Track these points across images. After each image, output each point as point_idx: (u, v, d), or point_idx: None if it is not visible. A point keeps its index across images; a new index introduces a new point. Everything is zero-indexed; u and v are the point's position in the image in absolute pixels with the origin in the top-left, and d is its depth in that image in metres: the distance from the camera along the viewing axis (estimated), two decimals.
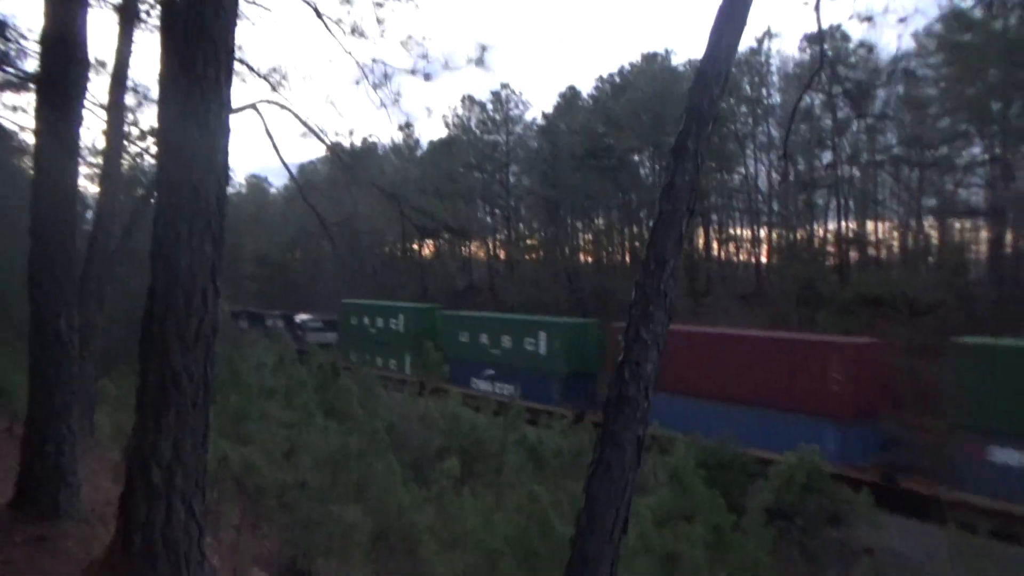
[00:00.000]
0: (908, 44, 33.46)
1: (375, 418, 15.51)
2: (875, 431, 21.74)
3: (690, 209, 3.36)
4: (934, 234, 38.25)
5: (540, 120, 52.07)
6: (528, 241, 55.92)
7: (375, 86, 10.84)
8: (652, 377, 3.14)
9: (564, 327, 30.56)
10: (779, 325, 36.58)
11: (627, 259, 51.57)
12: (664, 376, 3.05)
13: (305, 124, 10.98)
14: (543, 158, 48.18)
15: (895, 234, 39.43)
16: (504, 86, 52.55)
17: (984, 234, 35.25)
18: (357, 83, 11.05)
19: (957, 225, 36.03)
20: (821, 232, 41.00)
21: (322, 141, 11.27)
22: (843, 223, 39.42)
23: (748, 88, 43.28)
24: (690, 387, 23.10)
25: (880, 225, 39.79)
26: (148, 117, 13.64)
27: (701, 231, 46.67)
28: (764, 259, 45.01)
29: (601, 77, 50.21)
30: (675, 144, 3.37)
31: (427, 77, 11.08)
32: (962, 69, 32.60)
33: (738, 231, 49.24)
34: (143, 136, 12.74)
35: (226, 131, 3.47)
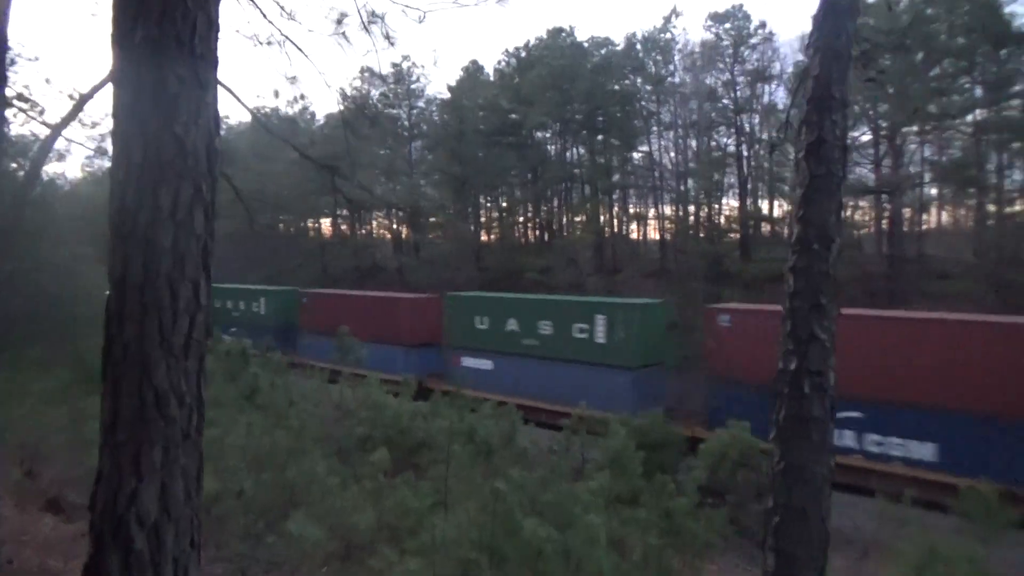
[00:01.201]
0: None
1: (297, 410, 14.38)
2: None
3: (844, 172, 2.77)
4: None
5: (445, 94, 50.86)
6: (433, 219, 54.75)
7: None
8: (834, 388, 2.54)
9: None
10: (688, 300, 37.33)
11: (540, 236, 51.40)
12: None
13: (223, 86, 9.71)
14: (449, 134, 47.08)
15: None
16: (405, 58, 50.94)
17: (877, 212, 37.08)
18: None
19: (858, 203, 37.66)
20: (726, 210, 42.07)
21: (243, 106, 10.03)
22: (747, 201, 40.55)
23: (652, 67, 43.68)
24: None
25: (783, 203, 41.16)
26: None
27: (605, 209, 47.01)
28: (668, 237, 45.84)
29: (507, 51, 49.45)
30: (813, 94, 2.74)
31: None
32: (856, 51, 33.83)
33: (643, 210, 49.96)
34: None
35: (215, 59, 2.56)
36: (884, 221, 34.95)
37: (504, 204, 53.83)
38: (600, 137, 44.58)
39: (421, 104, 52.76)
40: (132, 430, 2.35)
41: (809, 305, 2.61)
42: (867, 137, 37.29)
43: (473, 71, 52.19)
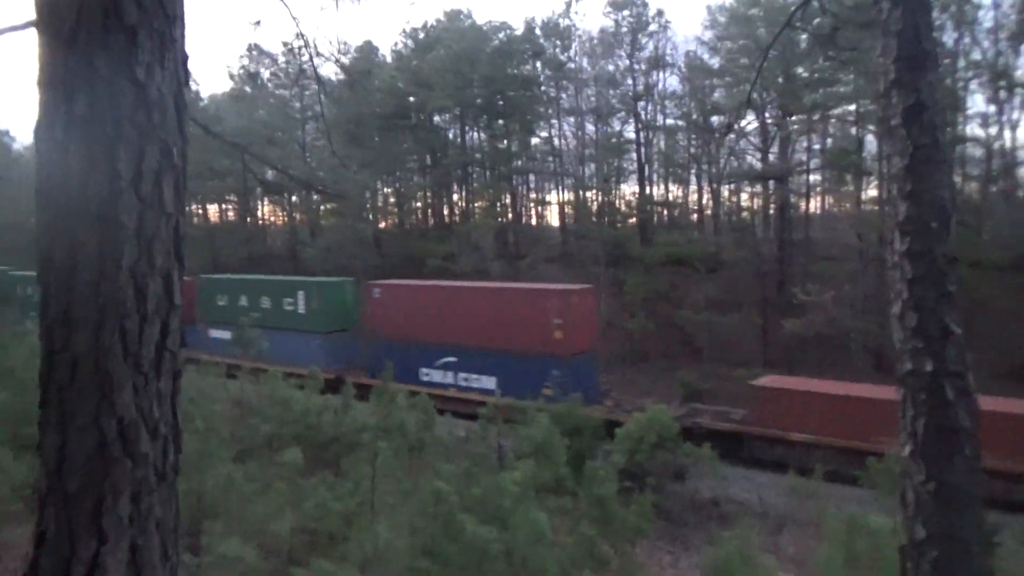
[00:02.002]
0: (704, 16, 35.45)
1: (200, 410, 13.32)
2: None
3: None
4: (734, 198, 41.14)
5: (340, 75, 48.99)
6: (328, 205, 52.88)
7: None
8: (975, 390, 2.24)
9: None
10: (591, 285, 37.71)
11: (440, 222, 50.61)
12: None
13: None
14: (345, 117, 45.47)
15: (694, 197, 41.97)
16: (298, 36, 48.70)
17: (765, 197, 38.58)
18: None
19: (749, 189, 39.05)
20: (626, 195, 42.75)
21: None
22: (647, 186, 41.33)
23: (552, 52, 43.70)
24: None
25: (681, 188, 42.17)
26: None
27: (507, 195, 46.83)
28: (570, 221, 46.18)
29: (404, 31, 48.23)
30: (900, 52, 2.38)
31: None
32: (748, 41, 35.06)
33: (544, 195, 50.14)
34: None
35: None
36: (772, 206, 36.39)
37: (402, 189, 52.70)
38: (501, 122, 44.25)
39: (315, 85, 50.72)
40: (88, 476, 1.77)
41: (936, 294, 2.27)
42: (753, 126, 38.75)
43: (367, 52, 50.60)
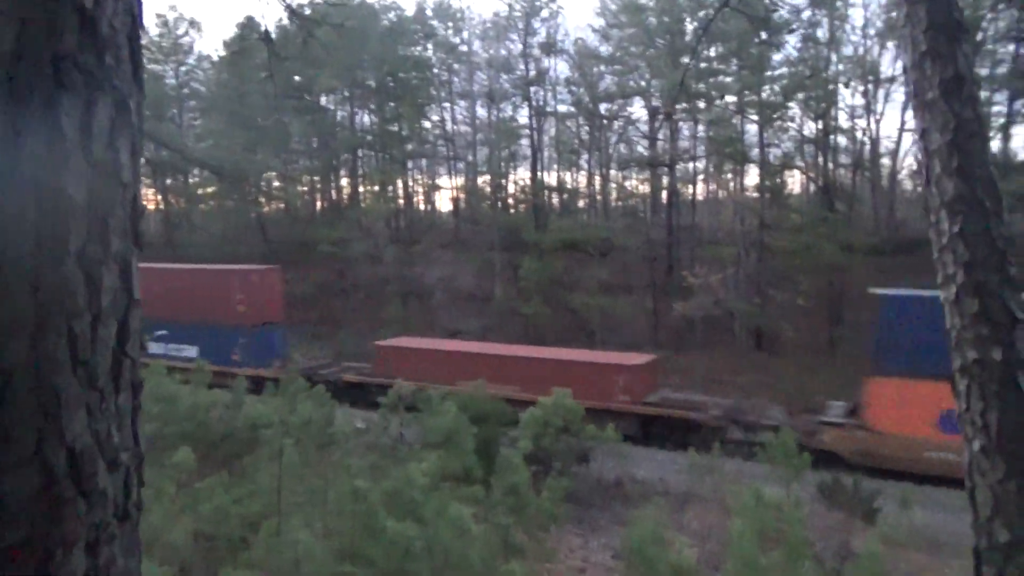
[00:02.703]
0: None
1: None
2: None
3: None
4: (625, 184, 41.95)
5: (222, 52, 46.40)
6: (210, 188, 50.18)
7: None
8: None
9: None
10: (485, 270, 37.66)
11: (329, 206, 49.00)
12: None
13: None
14: (228, 96, 43.15)
15: (587, 182, 42.54)
16: (172, 8, 45.78)
17: (653, 183, 39.67)
18: None
19: (638, 175, 39.98)
20: (520, 180, 42.83)
21: None
22: (541, 172, 41.55)
23: (445, 35, 43.08)
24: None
25: (573, 174, 42.67)
26: None
27: (399, 179, 45.95)
28: (463, 207, 45.88)
29: (289, 8, 46.08)
30: (932, 21, 2.24)
31: None
32: (638, 30, 35.79)
33: (437, 179, 49.55)
34: None
35: None
36: (663, 192, 37.46)
37: (289, 172, 50.66)
38: (392, 104, 43.24)
39: (191, 61, 47.88)
40: (32, 524, 1.37)
41: (999, 278, 2.15)
42: (642, 113, 39.72)
43: (248, 28, 48.13)
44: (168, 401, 16.20)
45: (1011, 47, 31.20)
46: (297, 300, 35.08)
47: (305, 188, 51.32)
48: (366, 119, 47.58)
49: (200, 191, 50.57)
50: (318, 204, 51.27)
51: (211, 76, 47.08)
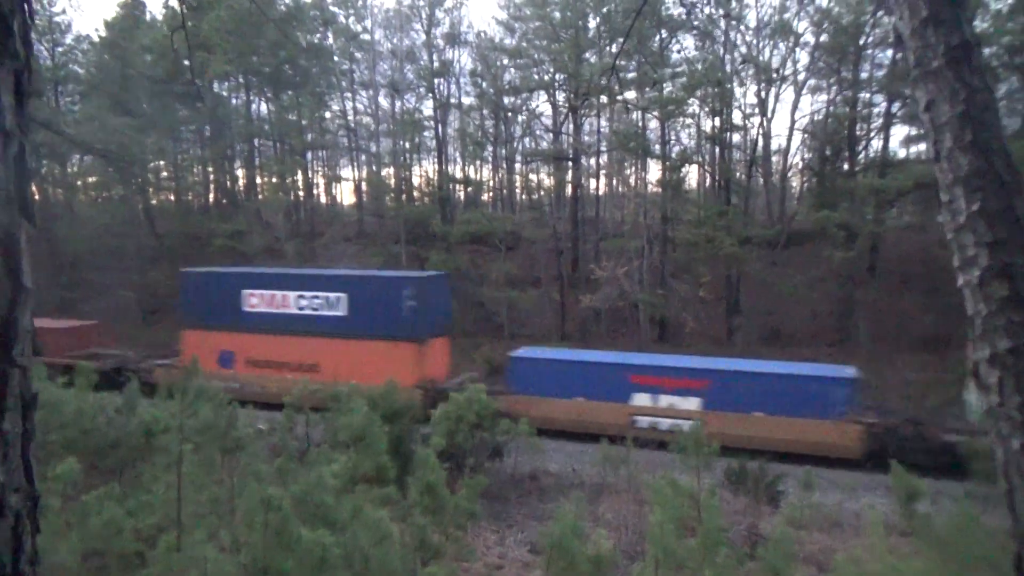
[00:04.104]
0: None
1: None
2: None
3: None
4: (530, 178, 41.99)
5: (102, 32, 43.43)
6: (87, 179, 46.98)
7: None
8: None
9: None
10: (390, 264, 36.91)
11: (223, 199, 46.81)
12: None
13: None
14: (110, 79, 40.45)
15: (493, 176, 42.38)
16: None
17: (557, 177, 39.93)
18: None
19: (543, 168, 40.11)
20: (426, 172, 42.21)
21: None
22: (446, 164, 41.08)
23: (346, 22, 41.89)
24: None
25: (479, 167, 42.40)
26: None
27: (299, 170, 44.42)
28: (367, 199, 44.86)
29: None
30: None
31: None
32: (542, 23, 35.88)
33: (338, 171, 48.23)
34: None
35: None
36: (568, 186, 37.76)
37: (180, 161, 48.08)
38: (290, 92, 41.71)
39: (68, 41, 44.59)
40: None
41: (1018, 258, 2.00)
42: (547, 107, 39.95)
43: (132, 7, 45.32)
44: (49, 407, 14.92)
45: (889, 52, 33.16)
46: None
47: (197, 178, 48.89)
48: (263, 108, 45.77)
49: (80, 181, 47.34)
50: (211, 196, 48.94)
51: (92, 58, 44.02)
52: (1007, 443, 2.04)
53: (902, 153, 37.28)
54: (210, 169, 47.75)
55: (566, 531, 10.19)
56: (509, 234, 35.52)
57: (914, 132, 35.77)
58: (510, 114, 40.68)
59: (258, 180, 45.12)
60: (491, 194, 44.14)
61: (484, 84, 39.39)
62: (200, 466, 9.45)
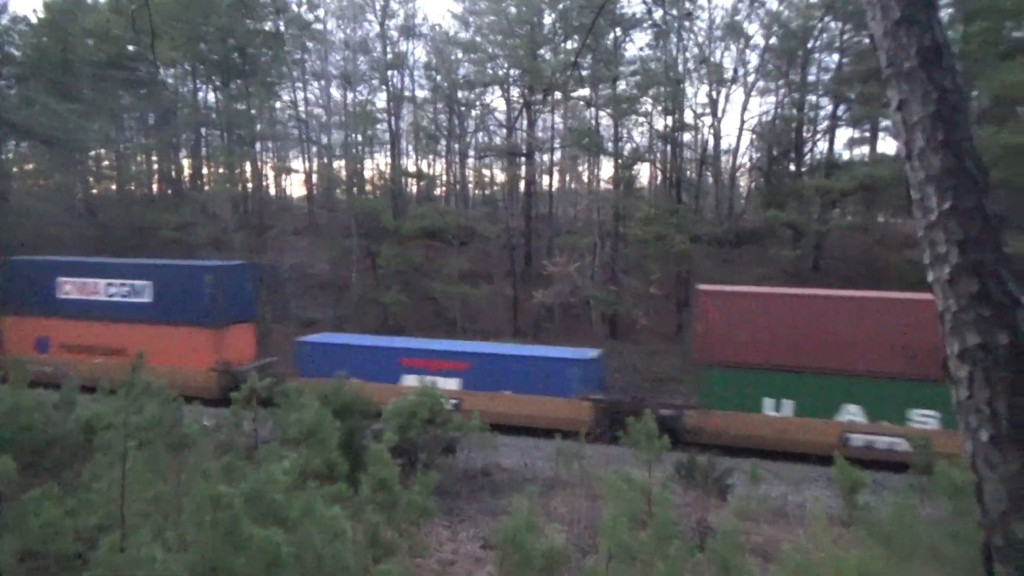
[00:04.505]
0: None
1: None
2: None
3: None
4: (484, 173, 41.88)
5: (41, 14, 41.71)
6: (29, 165, 45.21)
7: None
8: None
9: None
10: (341, 258, 36.46)
11: (169, 189, 45.56)
12: None
13: None
14: (50, 63, 38.94)
15: (446, 170, 42.17)
16: None
17: (510, 173, 39.93)
18: None
19: (496, 164, 40.03)
20: (378, 165, 41.78)
21: None
22: (399, 158, 40.70)
23: (298, 10, 41.14)
24: None
25: (433, 161, 42.15)
26: None
27: (248, 161, 43.49)
28: (318, 192, 44.21)
29: None
30: None
31: None
32: (498, 17, 35.81)
33: (289, 163, 47.41)
34: None
35: None
36: (522, 182, 37.81)
37: (123, 149, 46.63)
38: (240, 81, 40.79)
39: (4, 22, 42.73)
40: None
41: (995, 256, 2.05)
42: (501, 103, 39.92)
43: None
44: None
45: (835, 56, 34.07)
46: None
47: (141, 167, 47.49)
48: (211, 96, 44.68)
49: (17, 168, 45.46)
50: (155, 186, 47.59)
51: (30, 40, 42.30)
52: (976, 435, 2.10)
53: (846, 155, 38.38)
54: (155, 158, 46.42)
55: (519, 526, 10.22)
56: (462, 229, 35.42)
57: (857, 135, 36.87)
58: (464, 108, 40.52)
59: (205, 170, 44.05)
60: (444, 189, 43.91)
61: (438, 78, 39.15)
62: (145, 464, 9.18)
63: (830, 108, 34.53)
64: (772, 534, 13.17)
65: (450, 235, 34.67)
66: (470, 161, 41.89)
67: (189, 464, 9.87)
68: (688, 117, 35.49)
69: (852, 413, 18.92)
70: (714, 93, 35.38)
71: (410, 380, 20.81)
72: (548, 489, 15.16)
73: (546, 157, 40.29)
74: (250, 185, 43.17)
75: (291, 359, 23.78)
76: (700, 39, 35.46)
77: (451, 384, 20.64)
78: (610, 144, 35.29)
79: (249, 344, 25.30)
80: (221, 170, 41.54)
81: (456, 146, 41.53)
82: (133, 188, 47.11)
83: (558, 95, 36.80)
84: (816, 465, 16.80)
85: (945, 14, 31.16)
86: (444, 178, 43.55)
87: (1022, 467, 1.99)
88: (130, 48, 39.94)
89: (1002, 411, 2.04)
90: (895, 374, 18.41)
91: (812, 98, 35.12)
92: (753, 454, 17.29)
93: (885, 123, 33.19)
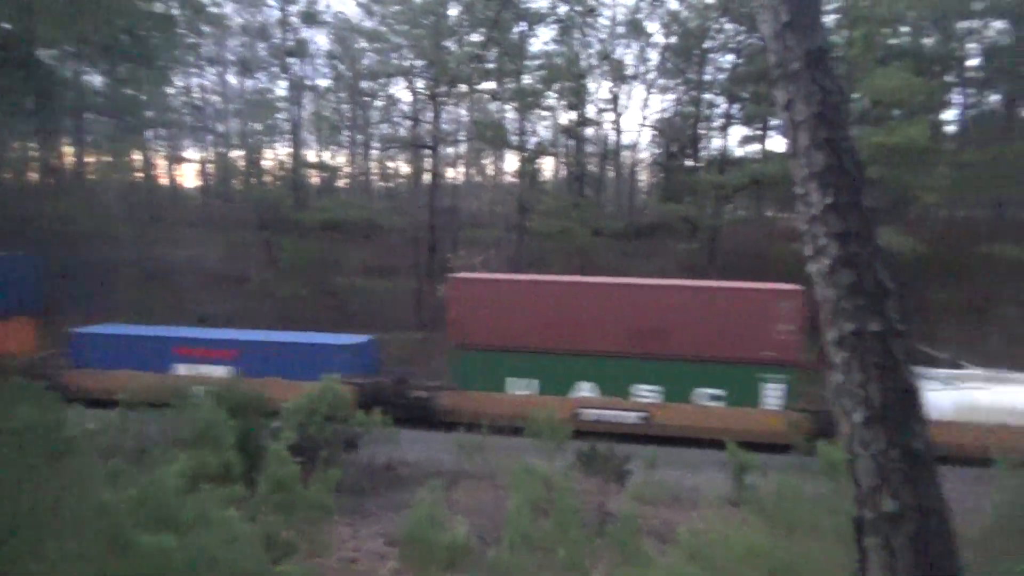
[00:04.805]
0: None
1: None
2: None
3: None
4: (388, 165, 41.30)
5: None
6: None
7: None
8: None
9: None
10: (238, 251, 35.28)
11: (48, 179, 42.66)
12: None
13: None
14: None
15: (349, 162, 41.41)
16: None
17: (415, 166, 39.61)
18: None
19: (401, 156, 39.59)
20: (279, 156, 40.53)
21: None
22: (300, 148, 39.62)
23: None
24: None
25: (335, 152, 41.29)
26: None
27: (137, 150, 41.33)
28: (213, 182, 42.51)
29: None
30: None
31: None
32: (403, 7, 35.39)
33: (182, 152, 45.34)
34: None
35: None
36: (426, 174, 37.55)
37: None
38: (128, 65, 38.62)
39: None
40: None
41: (870, 249, 2.20)
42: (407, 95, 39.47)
43: None
44: None
45: (730, 56, 35.48)
46: None
47: (19, 155, 44.27)
48: (96, 80, 42.09)
49: None
50: (34, 174, 44.48)
51: None
52: (850, 417, 2.27)
53: (740, 152, 40.04)
54: (32, 145, 43.37)
55: (421, 520, 10.22)
56: (366, 222, 34.89)
57: (750, 133, 38.53)
58: (368, 99, 39.85)
59: (89, 159, 41.57)
60: (347, 180, 43.09)
61: (341, 67, 38.33)
62: (20, 470, 8.60)
63: (725, 106, 35.94)
64: (669, 517, 13.67)
65: (353, 228, 34.10)
66: (374, 153, 41.25)
67: (71, 470, 9.33)
68: (591, 112, 36.18)
69: (586, 390, 20.56)
70: (616, 89, 36.19)
71: (182, 369, 21.23)
72: (453, 482, 15.19)
73: (451, 150, 40.16)
74: (139, 175, 41.05)
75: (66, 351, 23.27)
76: (603, 36, 36.15)
77: (222, 372, 20.55)
78: (515, 137, 35.55)
79: (28, 337, 24.77)
80: (107, 158, 39.31)
81: (359, 137, 40.82)
82: (9, 176, 43.92)
83: (463, 87, 36.76)
84: (711, 450, 17.48)
85: (831, 19, 33.14)
86: (347, 170, 42.73)
87: (890, 446, 2.17)
88: (6, 26, 37.20)
89: (874, 394, 2.22)
90: (622, 353, 20.19)
91: (709, 96, 36.45)
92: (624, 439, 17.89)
93: (775, 122, 34.86)
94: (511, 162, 39.13)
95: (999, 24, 32.52)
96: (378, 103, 40.35)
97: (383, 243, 36.54)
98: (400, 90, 40.51)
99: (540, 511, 11.06)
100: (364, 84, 38.80)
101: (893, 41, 31.57)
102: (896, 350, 2.16)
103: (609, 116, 36.83)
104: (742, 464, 13.52)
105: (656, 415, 19.87)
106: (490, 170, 41.38)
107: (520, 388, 20.74)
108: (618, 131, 37.96)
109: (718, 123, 36.50)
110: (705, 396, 20.19)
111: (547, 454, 13.99)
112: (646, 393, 20.35)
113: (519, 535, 9.75)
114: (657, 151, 41.18)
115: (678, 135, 37.02)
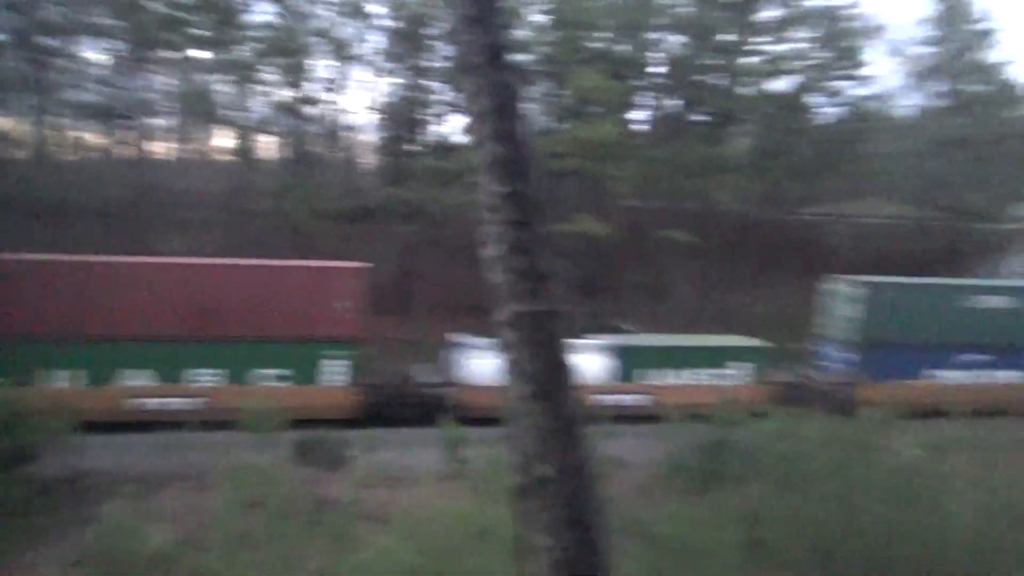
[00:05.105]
0: None
1: None
2: None
3: None
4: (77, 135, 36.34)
5: None
6: None
7: None
8: None
9: None
10: None
11: None
12: None
13: None
14: None
15: (28, 129, 35.78)
16: None
17: (115, 136, 35.42)
18: None
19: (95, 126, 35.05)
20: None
21: None
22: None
23: None
24: None
25: (12, 119, 35.45)
26: None
27: None
28: None
29: None
30: None
31: None
32: None
33: None
34: None
35: None
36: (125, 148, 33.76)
37: None
38: None
39: None
40: None
41: (536, 236, 2.33)
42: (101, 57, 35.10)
43: None
44: None
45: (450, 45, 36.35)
46: None
47: None
48: None
49: None
50: None
51: None
52: (518, 390, 2.50)
53: (459, 138, 41.33)
54: None
55: (111, 533, 9.35)
56: (40, 199, 30.40)
57: (468, 120, 39.87)
58: (50, 58, 34.53)
59: None
60: (29, 152, 37.11)
61: (17, 18, 32.84)
62: None
63: (448, 94, 36.77)
64: (387, 497, 13.90)
65: (38, 205, 29.55)
66: (60, 120, 36.01)
67: None
68: (313, 91, 34.97)
69: (141, 378, 19.22)
70: (338, 70, 35.38)
71: None
72: (157, 486, 14.00)
73: (159, 121, 36.50)
74: None
75: None
76: (322, 13, 35.04)
77: None
78: (231, 113, 33.21)
79: None
80: None
81: (40, 102, 35.31)
82: None
83: (169, 54, 33.45)
84: (425, 428, 17.58)
85: (541, 20, 35.55)
86: (24, 138, 36.79)
87: (546, 415, 2.43)
88: None
89: (539, 370, 2.47)
90: (178, 337, 19.22)
91: (431, 83, 37.01)
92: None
93: None
94: (227, 139, 36.56)
95: (680, 38, 37.24)
96: (64, 63, 35.14)
97: (72, 224, 32.15)
98: (92, 52, 35.61)
99: (252, 508, 10.65)
100: (46, 41, 33.53)
101: (593, 45, 34.66)
102: (554, 328, 2.43)
103: (332, 96, 35.95)
104: (456, 439, 14.19)
105: (216, 399, 18.77)
106: (203, 147, 38.28)
107: (62, 380, 18.43)
108: (342, 112, 37.25)
109: (438, 110, 37.32)
110: (271, 377, 19.82)
111: (259, 448, 13.47)
112: (206, 377, 19.54)
113: (228, 535, 9.33)
114: (382, 134, 41.07)
115: (401, 119, 37.23)
